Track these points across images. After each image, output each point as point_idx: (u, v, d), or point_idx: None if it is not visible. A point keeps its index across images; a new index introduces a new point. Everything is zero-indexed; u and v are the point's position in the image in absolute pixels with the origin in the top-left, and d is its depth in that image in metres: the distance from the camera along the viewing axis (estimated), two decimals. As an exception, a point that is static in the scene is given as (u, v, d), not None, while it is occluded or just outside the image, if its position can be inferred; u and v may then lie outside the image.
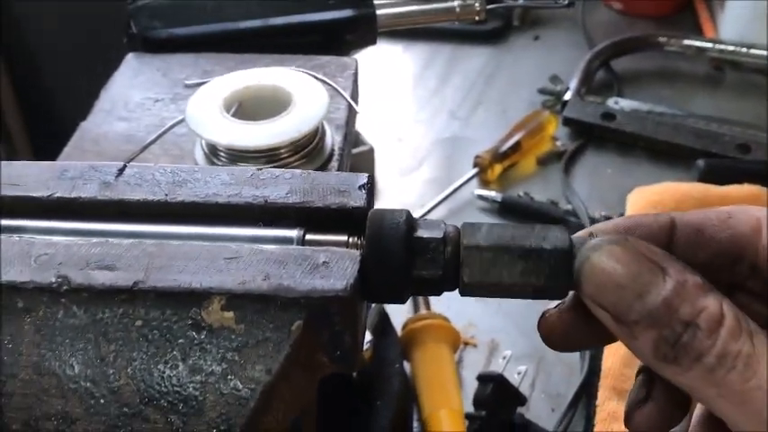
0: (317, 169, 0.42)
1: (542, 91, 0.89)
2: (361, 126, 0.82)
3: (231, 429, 0.26)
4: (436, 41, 1.02)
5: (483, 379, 0.56)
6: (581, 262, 0.25)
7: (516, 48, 1.02)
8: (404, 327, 0.60)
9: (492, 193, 0.76)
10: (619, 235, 0.26)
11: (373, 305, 0.55)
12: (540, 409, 0.57)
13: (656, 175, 0.77)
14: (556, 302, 0.28)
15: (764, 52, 0.90)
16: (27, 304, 0.27)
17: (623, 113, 0.84)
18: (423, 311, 0.62)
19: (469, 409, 0.56)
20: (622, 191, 0.73)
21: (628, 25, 1.03)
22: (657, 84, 0.93)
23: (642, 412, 0.27)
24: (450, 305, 0.64)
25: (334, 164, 0.44)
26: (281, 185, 0.31)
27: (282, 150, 0.42)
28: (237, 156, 0.42)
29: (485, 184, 0.78)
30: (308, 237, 0.30)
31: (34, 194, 0.31)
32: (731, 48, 0.91)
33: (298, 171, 0.32)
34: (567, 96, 0.86)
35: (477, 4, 0.59)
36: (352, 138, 0.50)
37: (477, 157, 0.78)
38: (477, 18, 0.59)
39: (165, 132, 0.44)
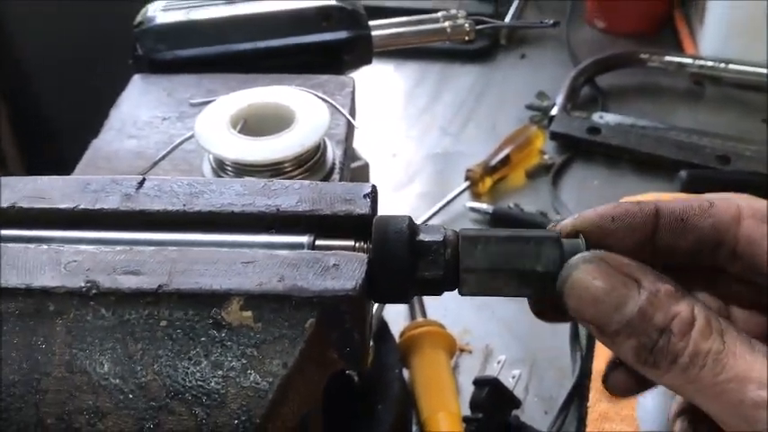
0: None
1: (530, 107, 0.92)
2: (356, 142, 0.84)
3: (251, 420, 0.28)
4: (426, 60, 1.05)
5: (479, 383, 0.58)
6: (563, 281, 0.27)
7: (504, 66, 1.05)
8: (402, 334, 0.62)
9: (483, 206, 0.78)
10: (596, 252, 0.27)
11: (374, 312, 0.57)
12: (534, 412, 0.60)
13: (641, 185, 0.80)
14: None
15: (742, 67, 0.94)
16: (58, 307, 0.29)
17: (608, 127, 0.87)
18: (419, 319, 0.64)
19: (466, 412, 0.58)
20: (608, 201, 0.75)
21: (611, 43, 1.06)
22: (640, 98, 0.97)
23: (617, 374, 0.29)
24: (446, 313, 0.67)
25: (336, 176, 0.46)
26: (292, 195, 0.33)
27: (287, 164, 0.44)
28: (244, 170, 0.44)
29: (476, 196, 0.81)
30: (318, 242, 0.32)
31: (60, 206, 0.33)
32: (710, 63, 0.95)
33: (306, 182, 0.35)
34: (554, 112, 0.90)
35: (466, 25, 0.62)
36: (351, 152, 0.53)
37: (468, 170, 0.81)
38: (466, 38, 0.62)
39: (174, 148, 0.47)
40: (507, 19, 1.07)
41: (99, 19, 0.90)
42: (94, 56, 0.88)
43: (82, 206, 0.33)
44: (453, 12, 0.63)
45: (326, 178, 0.46)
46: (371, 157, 0.85)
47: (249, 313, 0.29)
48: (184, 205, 0.33)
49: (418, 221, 0.84)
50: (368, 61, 0.59)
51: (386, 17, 0.62)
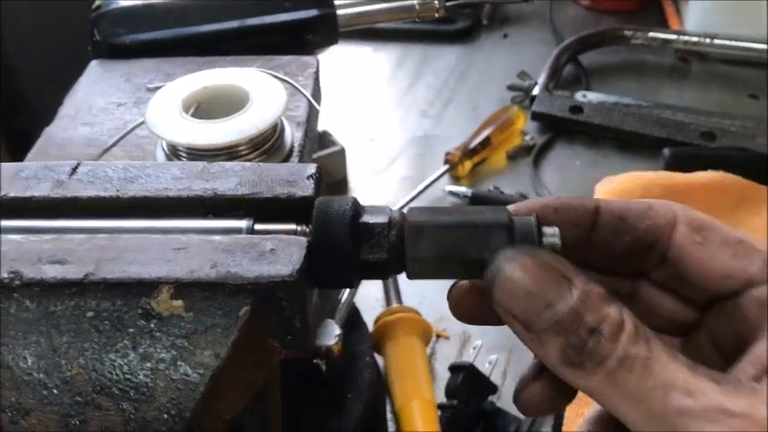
0: (276, 165, 0.43)
1: (511, 87, 0.90)
2: (333, 127, 0.83)
3: (181, 414, 0.26)
4: (407, 42, 1.03)
5: (454, 369, 0.57)
6: (494, 273, 0.26)
7: (486, 46, 1.03)
8: (376, 321, 0.61)
9: (462, 189, 0.77)
10: (528, 246, 0.27)
11: (344, 298, 0.55)
12: (510, 397, 0.58)
13: (624, 165, 0.79)
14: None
15: (729, 42, 0.92)
16: (-20, 300, 0.27)
17: (591, 106, 0.85)
18: (395, 305, 0.63)
19: (443, 399, 0.57)
20: (591, 182, 0.74)
21: (595, 21, 1.04)
22: (625, 77, 0.95)
23: (531, 390, 0.28)
24: (422, 300, 0.65)
25: (295, 159, 0.45)
26: (231, 178, 0.32)
27: (241, 147, 0.42)
28: (198, 154, 0.42)
29: (456, 180, 0.80)
30: (257, 227, 0.30)
31: (-12, 195, 0.31)
32: (695, 39, 0.93)
33: (248, 163, 0.33)
34: (536, 91, 0.88)
35: (436, 2, 0.60)
36: (314, 134, 0.51)
37: (447, 154, 0.79)
38: (436, 15, 0.60)
39: (125, 135, 0.45)
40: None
41: (58, 6, 0.88)
42: (55, 42, 0.86)
43: (12, 194, 0.32)
44: (423, -12, 0.61)
45: (285, 161, 0.44)
46: (350, 142, 0.83)
47: (180, 302, 0.27)
48: (117, 191, 0.31)
49: (397, 206, 0.82)
50: (334, 41, 0.58)
51: (353, -5, 0.60)
